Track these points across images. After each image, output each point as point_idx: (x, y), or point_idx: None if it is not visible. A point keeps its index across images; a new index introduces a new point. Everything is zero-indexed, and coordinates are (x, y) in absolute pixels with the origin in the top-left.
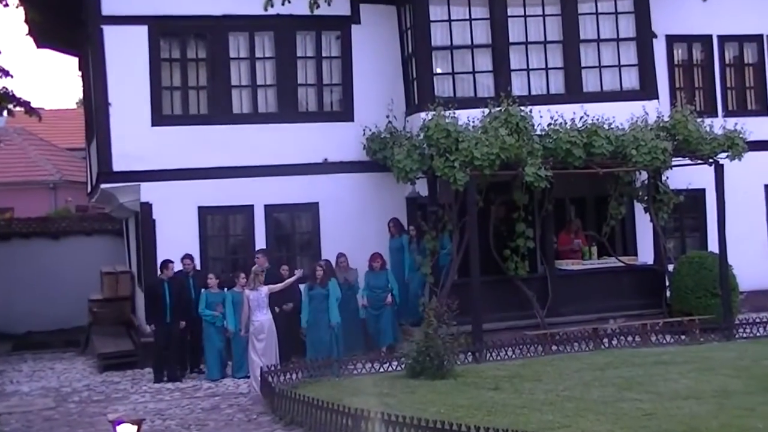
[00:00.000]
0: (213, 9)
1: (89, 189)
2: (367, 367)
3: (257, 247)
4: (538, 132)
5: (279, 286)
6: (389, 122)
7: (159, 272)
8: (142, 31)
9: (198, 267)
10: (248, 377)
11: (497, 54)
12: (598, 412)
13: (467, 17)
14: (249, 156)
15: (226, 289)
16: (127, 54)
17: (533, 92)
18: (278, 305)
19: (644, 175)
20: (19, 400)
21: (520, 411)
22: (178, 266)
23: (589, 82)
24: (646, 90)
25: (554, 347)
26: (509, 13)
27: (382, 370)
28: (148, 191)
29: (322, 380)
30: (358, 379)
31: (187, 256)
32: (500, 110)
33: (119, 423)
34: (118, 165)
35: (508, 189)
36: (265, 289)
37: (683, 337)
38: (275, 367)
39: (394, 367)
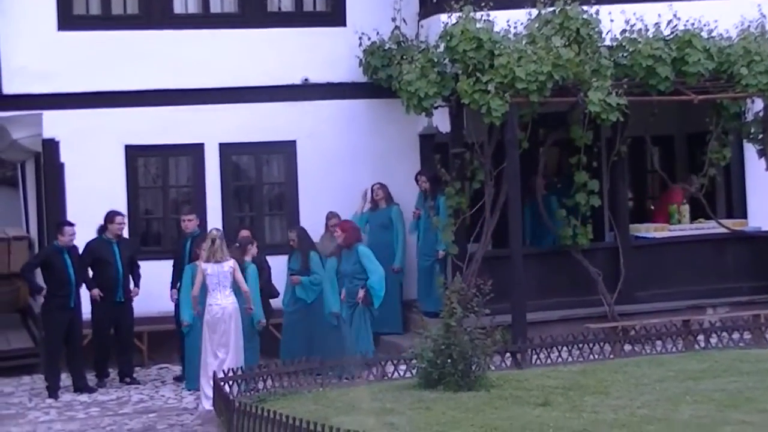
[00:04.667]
0: None
1: None
2: (364, 373)
3: (209, 202)
4: (608, 42)
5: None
6: (396, 28)
7: (56, 239)
8: None
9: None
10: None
11: None
12: None
13: None
14: (197, 75)
15: None
16: None
17: None
18: None
19: (759, 104)
20: None
21: None
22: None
23: None
24: None
25: (627, 346)
26: None
27: (384, 376)
28: (54, 123)
29: (300, 391)
30: (351, 390)
31: (117, 213)
32: (554, 11)
33: None
34: (10, 85)
35: (565, 123)
36: (230, 263)
37: None
38: (235, 372)
39: (402, 373)
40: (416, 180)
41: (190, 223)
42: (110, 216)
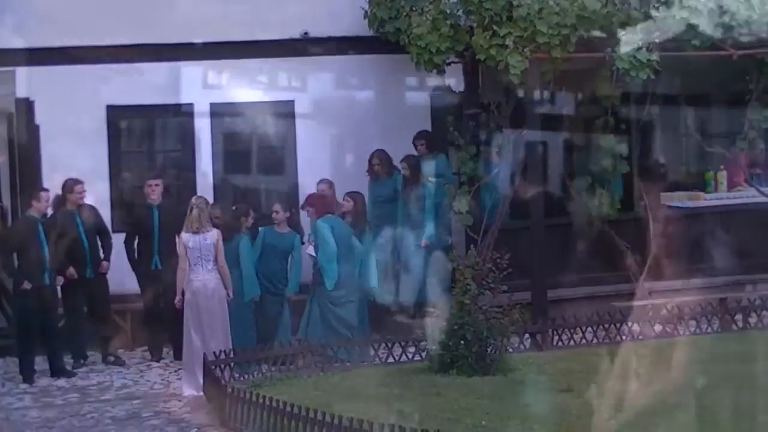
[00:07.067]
0: None
1: None
2: (369, 356)
3: (199, 168)
4: None
5: None
6: None
7: (29, 207)
8: None
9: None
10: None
11: None
12: (727, 429)
13: None
14: (186, 29)
15: None
16: None
17: None
18: None
19: None
20: None
21: (605, 425)
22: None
23: None
24: None
25: (658, 327)
26: None
27: (391, 360)
28: (28, 81)
29: (300, 376)
30: (355, 374)
31: (73, 181)
32: None
33: None
34: None
35: (591, 81)
36: (213, 234)
37: None
38: (227, 354)
39: (411, 356)
40: (414, 144)
41: (157, 188)
42: (68, 185)
